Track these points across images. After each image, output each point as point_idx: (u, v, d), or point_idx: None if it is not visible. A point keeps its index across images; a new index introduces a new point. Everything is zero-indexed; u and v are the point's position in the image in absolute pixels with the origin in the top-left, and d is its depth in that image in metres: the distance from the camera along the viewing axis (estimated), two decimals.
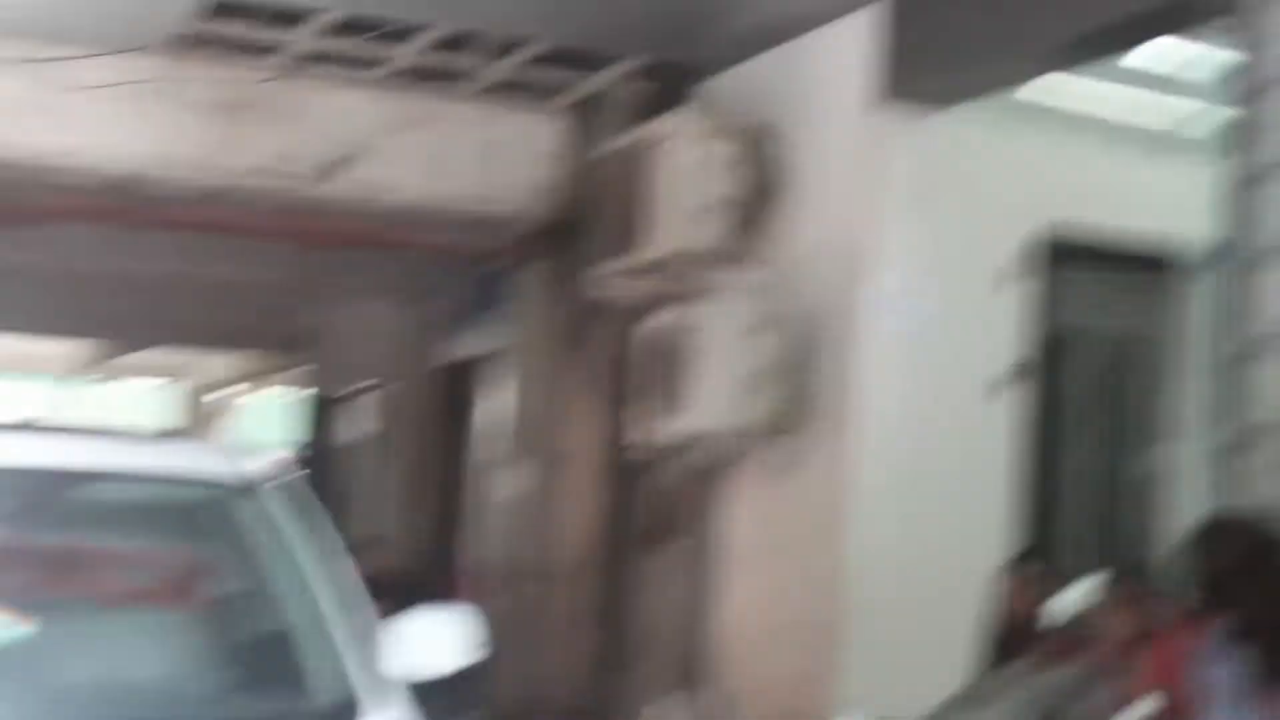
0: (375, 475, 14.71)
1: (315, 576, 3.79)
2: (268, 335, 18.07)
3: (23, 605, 3.86)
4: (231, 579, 4.09)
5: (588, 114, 9.22)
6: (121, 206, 8.84)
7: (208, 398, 25.26)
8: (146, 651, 3.98)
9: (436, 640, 3.72)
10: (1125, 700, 4.12)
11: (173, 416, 24.99)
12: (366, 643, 3.60)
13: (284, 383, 21.80)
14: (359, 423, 16.02)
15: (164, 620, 4.12)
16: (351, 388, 16.06)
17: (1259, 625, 3.64)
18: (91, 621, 4.09)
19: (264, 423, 22.83)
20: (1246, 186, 5.11)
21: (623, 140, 7.95)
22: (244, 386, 25.19)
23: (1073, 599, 4.89)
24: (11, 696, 3.51)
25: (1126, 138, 7.73)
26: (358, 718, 3.37)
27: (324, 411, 17.28)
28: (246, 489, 4.06)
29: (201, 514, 4.23)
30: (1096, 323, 8.12)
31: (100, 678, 3.78)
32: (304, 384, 18.71)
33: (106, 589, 4.18)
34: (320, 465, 16.02)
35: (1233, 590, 3.72)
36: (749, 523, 7.57)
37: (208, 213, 9.26)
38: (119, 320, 16.86)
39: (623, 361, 8.66)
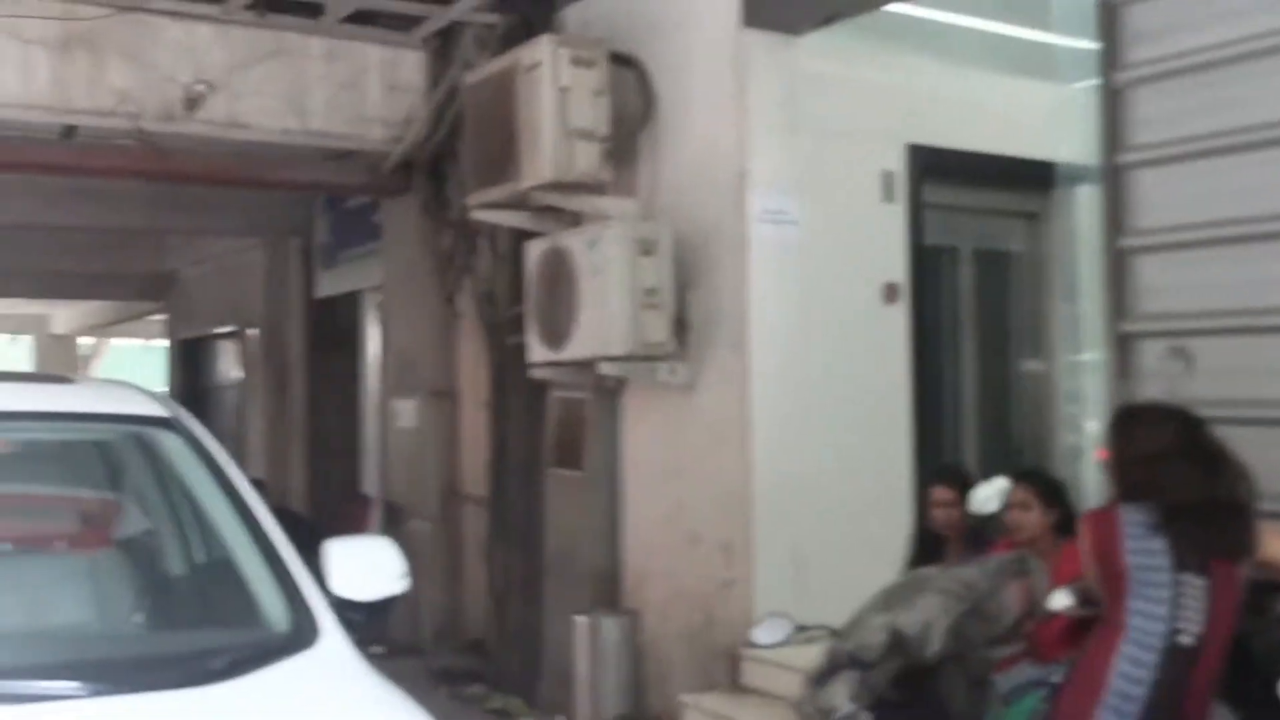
0: (246, 417, 14.56)
1: (245, 506, 3.81)
2: (128, 280, 17.70)
3: None
4: (169, 514, 4.11)
5: (448, 45, 9.17)
6: None
7: (68, 346, 24.72)
8: (105, 591, 3.99)
9: (363, 569, 3.75)
10: (1047, 588, 4.27)
11: (33, 366, 24.46)
12: (300, 570, 3.63)
13: (148, 329, 21.37)
14: (227, 365, 15.81)
15: (113, 558, 4.15)
16: (217, 329, 15.82)
17: (1188, 505, 3.80)
18: (43, 566, 4.14)
19: (128, 369, 22.40)
20: (1111, 102, 5.29)
21: (487, 70, 7.85)
22: (105, 334, 24.68)
23: (984, 499, 4.99)
24: None
25: (990, 59, 7.90)
26: (315, 642, 3.41)
27: (189, 355, 17.02)
28: (167, 423, 4.05)
29: (130, 451, 4.23)
30: (969, 238, 8.37)
31: (59, 619, 3.82)
32: (168, 328, 18.39)
33: (56, 531, 4.22)
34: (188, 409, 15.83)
35: (1159, 474, 3.87)
36: (651, 442, 7.67)
37: (55, 154, 9.06)
38: None
39: (505, 290, 8.70)
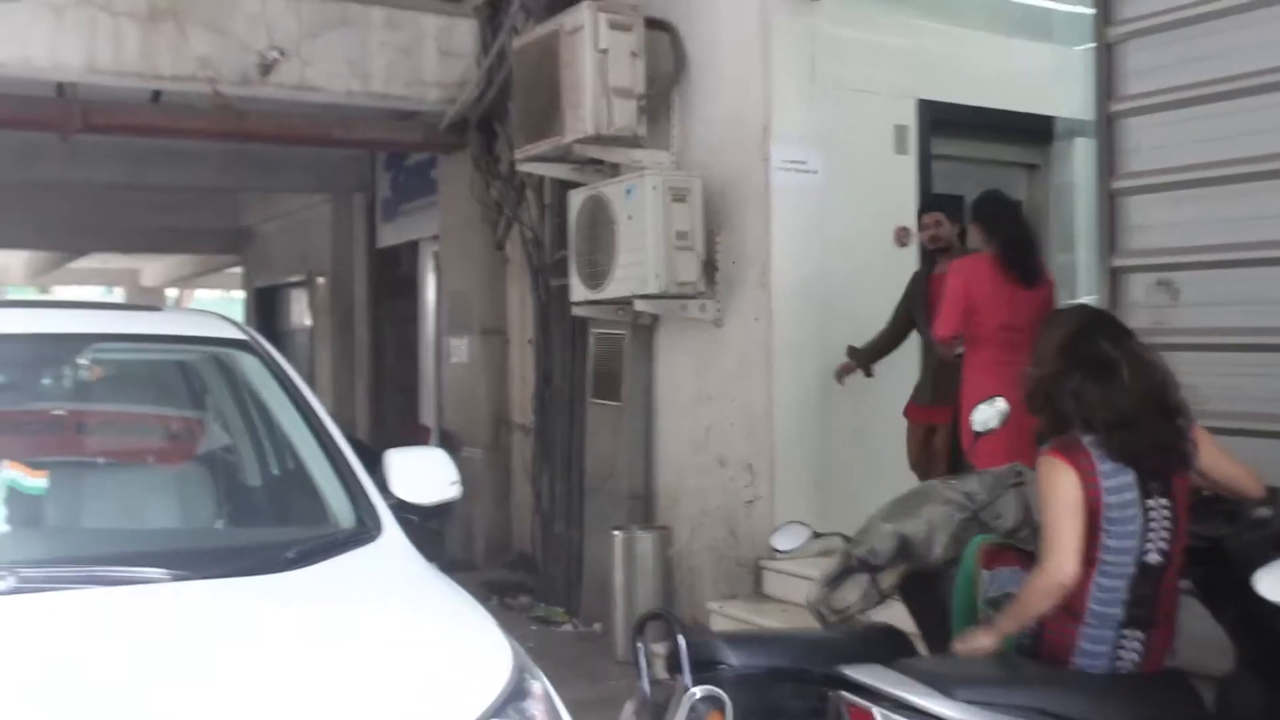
0: (315, 358, 14.68)
1: (315, 419, 3.87)
2: (208, 235, 17.84)
3: (95, 460, 4.10)
4: (246, 428, 4.19)
5: (497, 12, 9.18)
6: (56, 114, 8.58)
7: (157, 297, 24.90)
8: (190, 500, 4.08)
9: (420, 475, 3.78)
10: (1038, 495, 4.12)
11: None
12: (364, 475, 3.70)
13: (227, 280, 21.48)
14: (299, 311, 15.93)
15: (197, 470, 4.25)
16: (289, 279, 15.94)
17: (1122, 423, 3.56)
18: (133, 478, 4.23)
19: None
20: (1105, 55, 5.26)
21: (533, 34, 7.87)
22: (189, 285, 24.80)
23: (984, 419, 4.91)
24: (84, 544, 3.59)
25: (995, 23, 7.89)
26: (377, 538, 3.49)
27: (264, 303, 17.17)
28: (245, 345, 4.13)
29: (212, 371, 4.33)
30: (974, 187, 8.21)
31: (147, 524, 3.89)
32: (245, 279, 18.54)
33: (145, 447, 4.36)
34: None
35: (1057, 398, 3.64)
36: (683, 373, 7.71)
37: (144, 117, 9.14)
38: (61, 228, 16.51)
39: (549, 237, 8.77)
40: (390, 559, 3.40)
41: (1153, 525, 3.57)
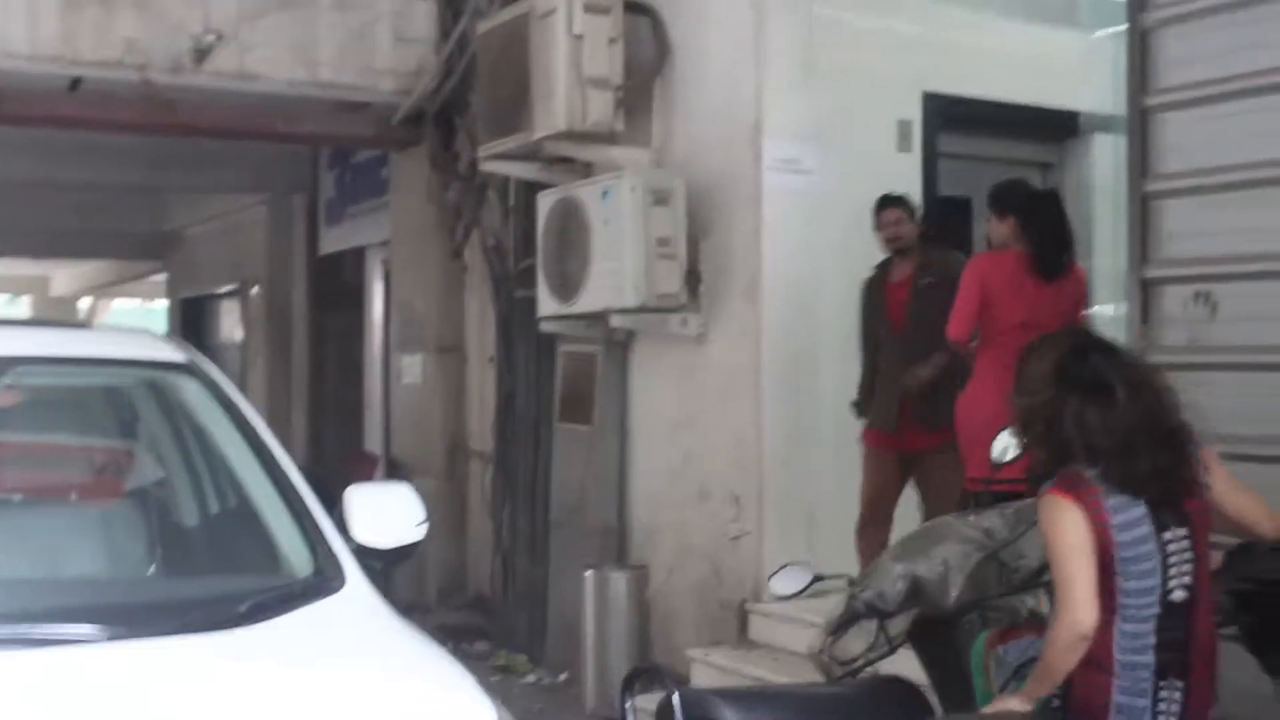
0: (247, 377, 14.53)
1: (265, 452, 3.77)
2: (129, 239, 17.65)
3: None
4: (187, 461, 4.09)
5: None
6: None
7: (68, 308, 24.72)
8: (120, 542, 3.99)
9: (384, 516, 3.69)
10: None
11: None
12: (322, 516, 3.61)
13: (148, 289, 21.31)
14: (229, 324, 15.79)
15: (128, 508, 4.16)
16: (219, 289, 15.80)
17: (1127, 447, 3.54)
18: (54, 516, 4.15)
19: None
20: (1140, 43, 5.21)
21: (500, 17, 7.82)
22: (105, 294, 24.59)
23: (1003, 449, 4.86)
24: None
25: (1009, 6, 7.86)
26: (340, 588, 3.39)
27: (190, 315, 17.02)
28: (185, 368, 4.02)
29: (147, 397, 4.22)
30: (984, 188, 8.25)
31: (72, 570, 3.81)
32: (169, 288, 18.38)
33: (68, 482, 4.28)
34: None
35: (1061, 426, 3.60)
36: (661, 395, 7.66)
37: (61, 107, 8.94)
38: None
39: (514, 243, 8.69)
40: (357, 613, 3.31)
41: (1173, 560, 3.53)
